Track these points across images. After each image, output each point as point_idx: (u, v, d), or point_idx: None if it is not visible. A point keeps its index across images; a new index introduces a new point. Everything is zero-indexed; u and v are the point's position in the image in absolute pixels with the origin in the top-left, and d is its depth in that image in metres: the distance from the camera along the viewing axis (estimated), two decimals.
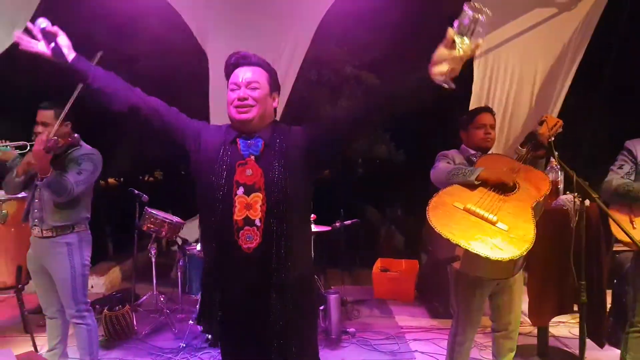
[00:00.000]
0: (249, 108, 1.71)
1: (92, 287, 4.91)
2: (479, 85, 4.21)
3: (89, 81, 1.68)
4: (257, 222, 1.66)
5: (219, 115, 4.35)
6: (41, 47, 1.64)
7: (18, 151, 2.90)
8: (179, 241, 4.30)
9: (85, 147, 2.82)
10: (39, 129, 2.69)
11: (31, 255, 2.84)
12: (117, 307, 3.78)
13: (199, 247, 3.94)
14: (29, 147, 2.86)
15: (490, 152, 2.60)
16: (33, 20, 1.66)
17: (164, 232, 4.02)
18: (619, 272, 3.65)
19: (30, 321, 3.68)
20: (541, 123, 2.48)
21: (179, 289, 4.14)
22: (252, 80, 1.73)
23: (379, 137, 8.67)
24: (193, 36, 4.52)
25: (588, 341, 2.57)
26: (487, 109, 2.64)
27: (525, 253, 1.96)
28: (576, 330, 2.19)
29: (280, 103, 1.92)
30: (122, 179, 11.59)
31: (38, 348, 3.34)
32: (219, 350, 1.86)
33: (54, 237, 2.73)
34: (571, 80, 4.16)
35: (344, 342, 3.74)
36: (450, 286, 2.57)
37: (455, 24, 1.46)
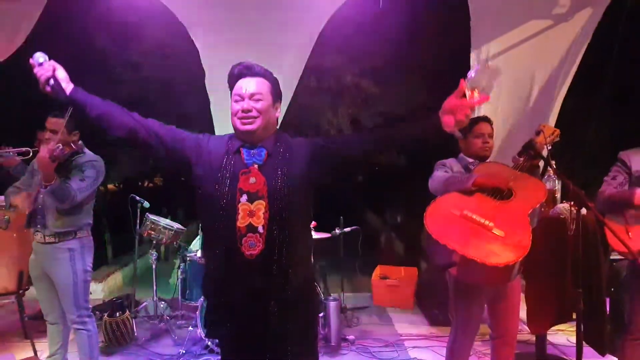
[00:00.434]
0: (252, 119, 1.75)
1: (90, 292, 4.91)
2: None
3: (87, 111, 1.72)
4: (260, 229, 1.68)
5: (221, 121, 4.44)
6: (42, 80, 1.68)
7: (21, 157, 2.93)
8: (179, 247, 4.31)
9: (89, 154, 2.85)
10: (47, 135, 2.70)
11: (33, 261, 2.86)
12: (117, 313, 3.78)
13: (199, 253, 3.95)
14: (31, 153, 2.90)
15: (487, 160, 2.62)
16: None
17: (164, 239, 4.04)
18: (617, 280, 3.66)
19: (30, 327, 3.68)
20: (538, 133, 2.51)
21: (178, 296, 4.16)
22: (256, 92, 1.76)
23: None
24: (193, 41, 4.54)
25: (587, 349, 2.59)
26: (485, 119, 2.66)
27: (521, 259, 1.98)
28: (574, 338, 2.20)
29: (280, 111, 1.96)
30: (121, 185, 11.62)
31: (38, 354, 3.34)
32: (219, 357, 1.88)
33: (56, 243, 2.75)
34: (567, 87, 4.19)
35: (343, 349, 3.75)
36: (449, 293, 2.59)
37: (469, 76, 1.54)
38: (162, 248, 6.14)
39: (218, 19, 4.40)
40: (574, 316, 2.13)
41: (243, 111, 1.75)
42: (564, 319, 3.28)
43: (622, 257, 3.61)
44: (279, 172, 1.73)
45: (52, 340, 2.94)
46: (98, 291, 5.24)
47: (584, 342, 2.15)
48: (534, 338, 3.51)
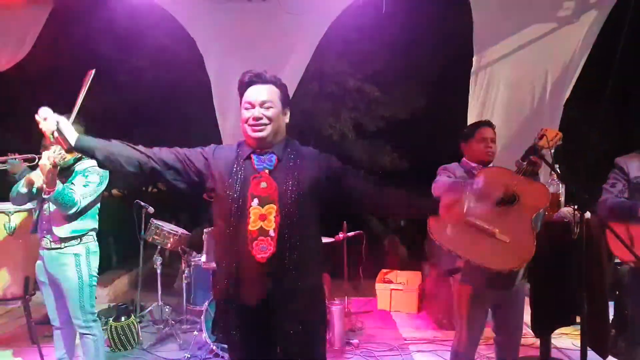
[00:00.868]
0: (263, 127, 1.79)
1: (96, 297, 4.93)
2: (476, 99, 4.25)
3: (95, 156, 1.77)
4: (272, 233, 1.71)
5: (225, 125, 4.47)
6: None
7: (27, 164, 2.96)
8: (184, 252, 4.33)
9: (92, 160, 2.87)
10: (48, 142, 2.72)
11: (40, 266, 2.89)
12: (122, 318, 3.81)
13: (203, 258, 3.97)
14: (37, 160, 2.92)
15: (490, 165, 2.63)
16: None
17: (169, 244, 4.06)
18: (620, 284, 3.66)
19: (36, 331, 3.70)
20: (541, 137, 2.51)
21: (183, 300, 4.17)
22: (266, 100, 1.81)
23: (382, 148, 8.73)
24: (197, 47, 4.58)
25: (591, 353, 2.58)
26: (488, 123, 2.68)
27: (526, 264, 1.98)
28: (578, 342, 2.20)
29: None
30: (125, 191, 11.64)
31: (44, 358, 3.36)
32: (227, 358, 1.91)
33: (62, 248, 2.77)
34: (570, 90, 4.19)
35: (348, 353, 3.75)
36: (454, 297, 2.59)
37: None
38: (167, 253, 6.16)
39: (221, 24, 4.45)
40: (578, 319, 2.13)
41: (254, 119, 1.79)
42: (567, 321, 3.28)
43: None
44: (289, 177, 1.77)
45: (58, 345, 2.96)
46: (103, 296, 5.26)
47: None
48: (538, 342, 3.51)
